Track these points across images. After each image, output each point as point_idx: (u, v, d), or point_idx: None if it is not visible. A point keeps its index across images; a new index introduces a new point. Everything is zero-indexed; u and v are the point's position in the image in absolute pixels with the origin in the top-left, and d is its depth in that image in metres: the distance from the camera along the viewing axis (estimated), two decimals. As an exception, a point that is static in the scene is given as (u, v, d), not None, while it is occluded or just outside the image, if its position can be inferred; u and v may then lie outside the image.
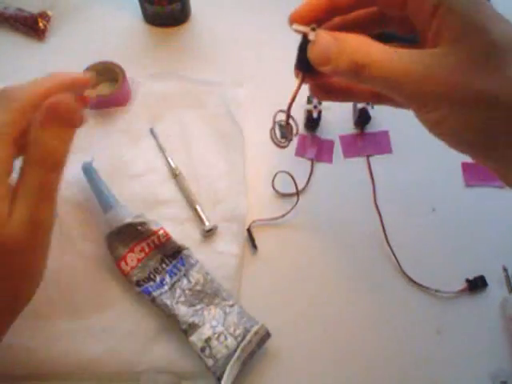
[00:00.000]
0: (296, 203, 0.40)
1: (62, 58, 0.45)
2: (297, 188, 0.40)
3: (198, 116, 0.45)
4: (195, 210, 0.40)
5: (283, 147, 0.35)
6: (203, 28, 0.51)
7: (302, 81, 0.32)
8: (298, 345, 0.37)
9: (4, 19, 0.49)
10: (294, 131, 0.34)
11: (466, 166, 0.43)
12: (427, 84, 0.25)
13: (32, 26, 0.49)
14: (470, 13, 0.26)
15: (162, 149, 0.43)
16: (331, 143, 0.44)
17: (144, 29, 0.51)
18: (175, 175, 0.42)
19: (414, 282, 0.39)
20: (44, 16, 0.49)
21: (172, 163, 0.42)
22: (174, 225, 0.39)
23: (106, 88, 0.46)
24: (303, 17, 0.31)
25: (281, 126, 0.34)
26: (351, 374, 0.36)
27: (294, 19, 0.31)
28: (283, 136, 0.35)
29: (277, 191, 0.42)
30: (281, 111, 0.34)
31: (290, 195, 0.41)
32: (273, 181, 0.42)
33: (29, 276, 0.29)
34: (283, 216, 0.40)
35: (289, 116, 0.34)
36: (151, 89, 0.46)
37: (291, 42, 0.52)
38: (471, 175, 0.43)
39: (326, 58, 0.29)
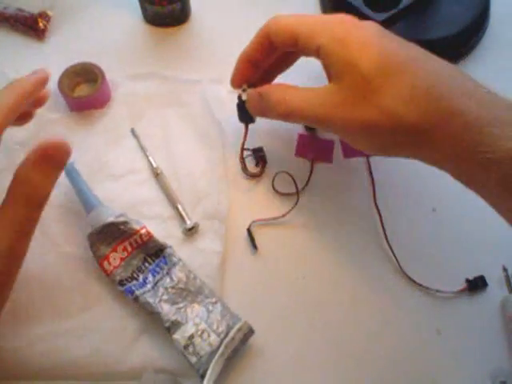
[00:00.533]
0: (296, 203, 0.40)
1: (62, 58, 0.45)
2: (297, 188, 0.40)
3: (179, 115, 0.45)
4: (176, 208, 0.40)
5: (254, 176, 0.42)
6: (203, 28, 0.51)
7: (247, 129, 0.41)
8: (287, 342, 0.37)
9: (4, 19, 0.49)
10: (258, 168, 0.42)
11: (465, 166, 0.43)
12: (327, 120, 0.32)
13: (32, 26, 0.49)
14: (340, 52, 0.30)
15: (143, 148, 0.43)
16: (331, 143, 0.44)
17: (144, 29, 0.51)
18: (156, 174, 0.42)
19: (414, 282, 0.39)
20: (44, 16, 0.49)
21: (153, 163, 0.42)
22: (156, 223, 0.40)
23: (86, 89, 0.46)
24: (237, 80, 0.39)
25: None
26: (346, 374, 0.36)
27: (232, 84, 0.39)
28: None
29: (277, 191, 0.42)
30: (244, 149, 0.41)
31: (290, 195, 0.41)
32: (273, 181, 0.42)
33: None
34: (283, 216, 0.40)
35: (243, 159, 0.42)
36: (132, 89, 0.46)
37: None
38: (471, 175, 0.43)
39: (260, 112, 0.38)
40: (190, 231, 0.39)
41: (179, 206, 0.40)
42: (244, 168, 0.42)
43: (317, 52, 0.32)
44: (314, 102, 0.32)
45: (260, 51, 0.37)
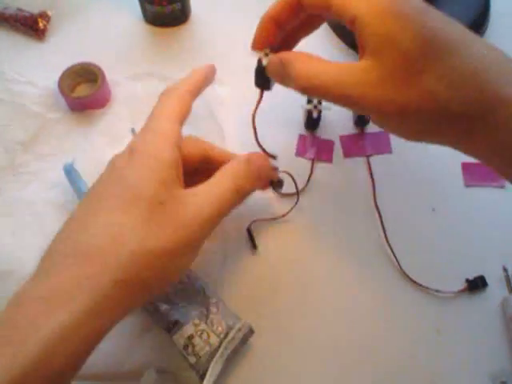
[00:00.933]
0: (296, 203, 0.40)
1: (62, 57, 0.45)
2: (297, 188, 0.40)
3: None
4: None
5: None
6: (203, 28, 0.51)
7: (261, 96, 0.38)
8: (287, 342, 0.37)
9: (4, 19, 0.49)
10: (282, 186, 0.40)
11: (465, 166, 0.43)
12: (360, 101, 0.28)
13: (32, 26, 0.49)
14: (380, 26, 0.27)
15: None
16: (331, 143, 0.45)
17: (144, 29, 0.51)
18: None
19: (414, 282, 0.39)
20: (44, 16, 0.49)
21: None
22: None
23: (86, 89, 0.46)
24: (259, 42, 0.35)
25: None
26: (346, 374, 0.36)
27: (253, 46, 0.36)
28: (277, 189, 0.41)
29: (278, 192, 0.42)
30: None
31: (290, 195, 0.41)
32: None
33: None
34: (283, 216, 0.40)
35: (255, 128, 0.38)
36: (132, 89, 0.46)
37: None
38: (471, 175, 0.43)
39: (280, 80, 0.34)
40: None
41: None
42: (256, 138, 0.39)
43: (352, 22, 0.29)
44: (345, 80, 0.29)
45: (287, 11, 0.33)
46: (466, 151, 0.29)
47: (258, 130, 0.44)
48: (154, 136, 0.31)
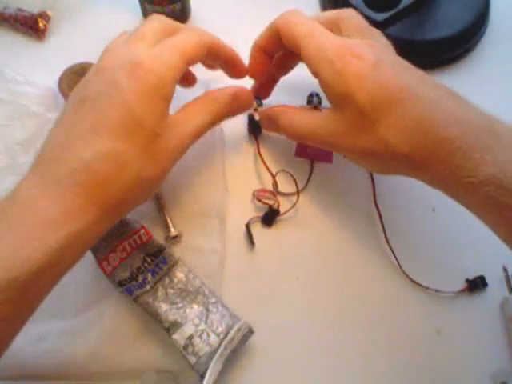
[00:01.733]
0: (296, 202, 0.40)
1: (62, 57, 0.45)
2: (297, 186, 0.40)
3: None
4: (163, 214, 0.40)
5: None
6: (203, 28, 0.51)
7: (258, 141, 0.43)
8: (287, 342, 0.37)
9: (4, 19, 0.49)
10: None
11: (465, 166, 0.43)
12: (334, 146, 0.35)
13: (32, 26, 0.49)
14: (338, 85, 0.32)
15: None
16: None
17: (144, 29, 0.51)
18: None
19: (414, 282, 0.39)
20: (44, 16, 0.49)
21: None
22: (155, 224, 0.40)
23: None
24: (254, 70, 0.40)
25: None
26: (346, 373, 0.36)
27: (250, 74, 0.40)
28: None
29: (277, 191, 0.42)
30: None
31: (290, 194, 0.41)
32: (273, 181, 0.42)
33: None
34: (283, 214, 0.40)
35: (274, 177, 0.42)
36: None
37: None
38: (471, 175, 0.43)
39: (273, 130, 0.41)
40: (173, 240, 0.39)
41: (165, 213, 0.40)
42: (275, 185, 0.42)
43: (316, 76, 0.34)
44: (320, 131, 0.35)
45: (271, 43, 0.38)
46: (425, 182, 0.33)
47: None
48: (163, 69, 0.32)
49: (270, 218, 0.41)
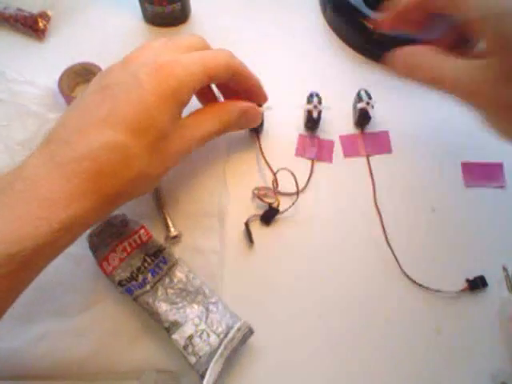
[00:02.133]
0: (295, 200, 0.40)
1: (61, 58, 0.45)
2: (297, 185, 0.40)
3: None
4: (163, 214, 0.40)
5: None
6: (203, 28, 0.51)
7: (258, 138, 0.43)
8: (287, 342, 0.37)
9: (4, 19, 0.49)
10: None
11: (465, 166, 0.43)
12: (478, 97, 0.31)
13: (32, 26, 0.49)
14: (506, 28, 0.29)
15: None
16: (331, 143, 0.44)
17: (144, 29, 0.51)
18: None
19: (414, 282, 0.39)
20: (44, 16, 0.49)
21: None
22: (155, 224, 0.40)
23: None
24: (397, 20, 0.37)
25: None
26: (345, 373, 0.36)
27: (383, 23, 0.38)
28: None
29: (278, 188, 0.42)
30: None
31: (290, 194, 0.41)
32: (273, 181, 0.42)
33: None
34: (282, 213, 0.40)
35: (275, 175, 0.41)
36: None
37: (291, 42, 0.52)
38: (471, 175, 0.43)
39: (406, 71, 0.36)
40: (173, 240, 0.39)
41: (165, 213, 0.40)
42: (275, 184, 0.41)
43: (476, 22, 0.31)
44: (462, 74, 0.32)
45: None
46: None
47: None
48: (183, 71, 0.33)
49: (269, 216, 0.41)
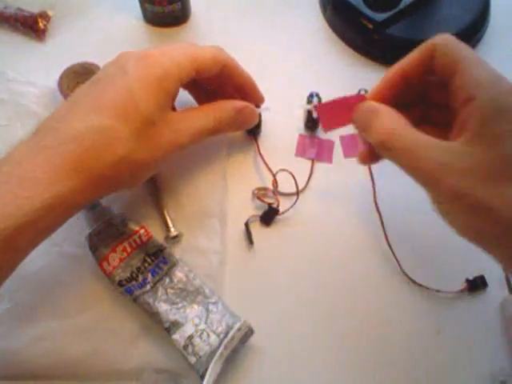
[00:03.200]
0: (295, 201, 0.40)
1: (61, 58, 0.45)
2: (297, 186, 0.40)
3: None
4: (163, 215, 0.40)
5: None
6: (203, 28, 0.51)
7: (257, 141, 0.43)
8: (287, 342, 0.37)
9: (4, 19, 0.49)
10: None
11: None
12: (442, 181, 0.26)
13: (32, 26, 0.49)
14: (490, 119, 0.26)
15: None
16: (331, 143, 0.44)
17: (144, 29, 0.51)
18: (150, 178, 0.41)
19: (414, 282, 0.39)
20: (44, 16, 0.49)
21: None
22: (155, 224, 0.40)
23: None
24: (380, 94, 0.33)
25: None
26: (346, 373, 0.36)
27: (370, 95, 0.33)
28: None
29: (277, 191, 0.42)
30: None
31: (290, 194, 0.41)
32: (272, 181, 0.42)
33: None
34: (283, 213, 0.40)
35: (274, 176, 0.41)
36: None
37: (291, 42, 0.52)
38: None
39: (362, 128, 0.32)
40: (173, 240, 0.39)
41: (165, 213, 0.40)
42: (275, 184, 0.41)
43: (468, 101, 0.27)
44: (429, 151, 0.27)
45: (417, 69, 0.31)
46: None
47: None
48: (169, 61, 0.33)
49: (269, 217, 0.41)
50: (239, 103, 0.39)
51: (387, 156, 0.30)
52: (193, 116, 0.36)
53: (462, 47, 0.29)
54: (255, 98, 0.41)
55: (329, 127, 0.36)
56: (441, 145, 0.27)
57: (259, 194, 0.41)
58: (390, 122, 0.29)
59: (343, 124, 0.35)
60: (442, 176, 0.26)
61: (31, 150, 0.30)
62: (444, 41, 0.30)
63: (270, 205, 0.41)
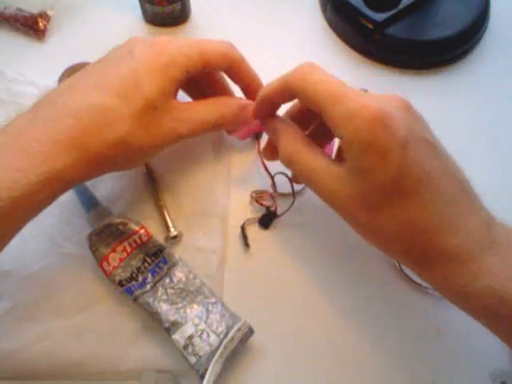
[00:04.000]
0: (292, 203, 0.40)
1: (62, 58, 0.45)
2: (293, 188, 0.40)
3: None
4: (162, 215, 0.40)
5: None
6: (203, 28, 0.51)
7: (259, 145, 0.40)
8: (287, 342, 0.37)
9: (4, 19, 0.49)
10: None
11: (465, 166, 0.43)
12: (335, 205, 0.32)
13: (32, 26, 0.49)
14: (364, 155, 0.28)
15: None
16: (331, 143, 0.44)
17: (144, 29, 0.51)
18: (149, 177, 0.41)
19: (414, 282, 0.39)
20: (44, 16, 0.49)
21: (147, 166, 0.42)
22: (155, 224, 0.40)
23: None
24: (259, 114, 0.37)
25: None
26: (346, 374, 0.36)
27: (253, 115, 0.37)
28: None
29: (276, 191, 0.42)
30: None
31: (288, 195, 0.41)
32: (272, 182, 0.42)
33: None
34: (278, 217, 0.40)
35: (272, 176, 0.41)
36: None
37: (291, 42, 0.52)
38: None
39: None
40: (173, 240, 0.39)
41: (165, 213, 0.40)
42: (273, 185, 0.41)
43: (339, 137, 0.30)
44: (324, 175, 0.31)
45: (282, 97, 0.34)
46: (425, 280, 0.32)
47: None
48: (177, 50, 0.33)
49: (267, 220, 0.40)
50: (244, 100, 0.38)
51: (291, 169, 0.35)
52: (196, 108, 0.36)
53: (318, 82, 0.31)
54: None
55: None
56: (332, 171, 0.31)
57: (257, 197, 0.41)
58: (291, 144, 0.33)
59: None
60: (333, 201, 0.32)
61: (29, 122, 0.30)
62: (298, 80, 0.32)
63: (267, 208, 0.41)
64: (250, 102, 0.39)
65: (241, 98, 0.39)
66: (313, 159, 0.32)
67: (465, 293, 0.29)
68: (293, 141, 0.33)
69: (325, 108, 0.30)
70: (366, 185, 0.29)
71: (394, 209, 0.29)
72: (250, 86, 0.39)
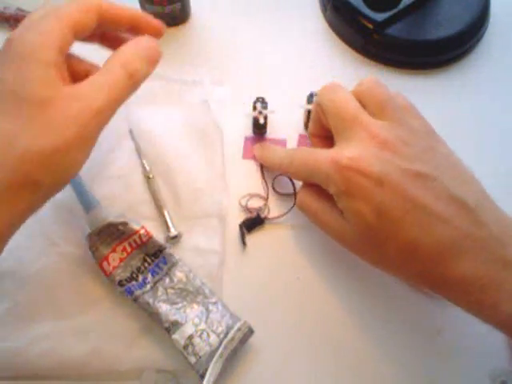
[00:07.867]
0: (294, 205, 0.40)
1: (61, 58, 0.45)
2: (294, 189, 0.40)
3: (179, 115, 0.45)
4: (162, 215, 0.40)
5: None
6: (203, 28, 0.51)
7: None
8: (287, 342, 0.37)
9: (4, 19, 0.49)
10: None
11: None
12: (345, 247, 0.36)
13: (32, 26, 0.49)
14: (348, 203, 0.32)
15: (138, 151, 0.43)
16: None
17: (144, 29, 0.51)
18: (148, 178, 0.41)
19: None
20: (44, 16, 0.49)
21: (146, 166, 0.42)
22: (155, 224, 0.40)
23: None
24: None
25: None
26: (346, 374, 0.36)
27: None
28: None
29: (277, 192, 0.42)
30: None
31: (288, 195, 0.41)
32: (273, 181, 0.42)
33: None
34: (278, 218, 0.40)
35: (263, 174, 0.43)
36: None
37: (291, 42, 0.52)
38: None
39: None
40: (173, 240, 0.39)
41: (165, 213, 0.40)
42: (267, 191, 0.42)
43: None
44: (328, 217, 0.36)
45: (321, 128, 0.38)
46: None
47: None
48: (34, 35, 0.29)
49: (250, 223, 0.40)
50: (144, 39, 0.33)
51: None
52: (97, 77, 0.30)
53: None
54: (153, 28, 0.35)
55: None
56: (337, 221, 0.34)
57: (246, 205, 0.41)
58: (305, 198, 0.37)
59: None
60: (342, 243, 0.35)
61: None
62: (326, 103, 0.35)
63: (258, 212, 0.41)
64: (150, 37, 0.33)
65: (141, 38, 0.33)
66: (320, 212, 0.36)
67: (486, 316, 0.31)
68: (306, 196, 0.37)
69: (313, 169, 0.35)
70: (359, 228, 0.32)
71: (391, 241, 0.31)
72: (135, 24, 0.34)
